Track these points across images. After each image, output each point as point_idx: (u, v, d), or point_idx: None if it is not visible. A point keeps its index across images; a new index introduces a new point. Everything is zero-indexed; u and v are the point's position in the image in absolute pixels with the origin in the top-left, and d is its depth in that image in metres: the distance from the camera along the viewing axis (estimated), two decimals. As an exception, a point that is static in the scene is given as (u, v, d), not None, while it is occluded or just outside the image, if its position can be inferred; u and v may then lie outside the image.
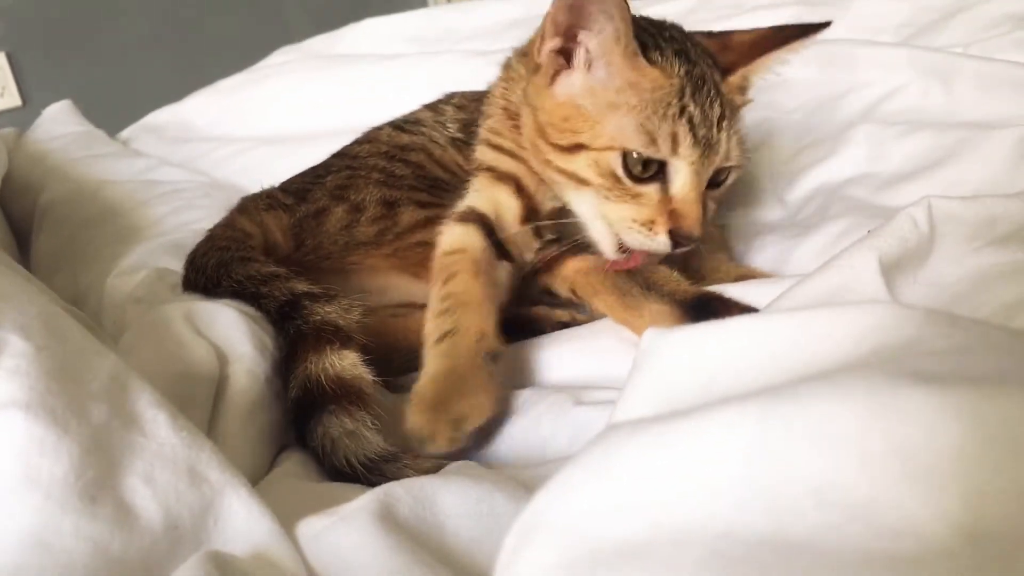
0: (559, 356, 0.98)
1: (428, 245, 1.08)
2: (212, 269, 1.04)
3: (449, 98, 1.40)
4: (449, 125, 1.31)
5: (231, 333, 0.92)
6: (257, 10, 3.39)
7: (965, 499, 0.37)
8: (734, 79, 1.02)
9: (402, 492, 0.70)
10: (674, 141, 0.94)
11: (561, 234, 1.06)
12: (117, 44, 3.26)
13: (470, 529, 0.68)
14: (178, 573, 0.57)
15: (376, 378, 0.89)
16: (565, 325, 1.05)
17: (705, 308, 0.91)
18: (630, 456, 0.45)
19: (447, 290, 0.97)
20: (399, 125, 1.32)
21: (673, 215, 0.95)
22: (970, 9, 1.45)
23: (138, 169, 1.68)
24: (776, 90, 1.42)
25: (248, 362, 0.90)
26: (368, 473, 0.82)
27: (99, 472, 0.59)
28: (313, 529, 0.67)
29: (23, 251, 1.53)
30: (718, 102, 0.97)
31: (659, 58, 0.96)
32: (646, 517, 0.42)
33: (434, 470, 0.80)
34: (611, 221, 0.97)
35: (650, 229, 0.95)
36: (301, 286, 0.98)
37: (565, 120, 0.98)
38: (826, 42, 1.45)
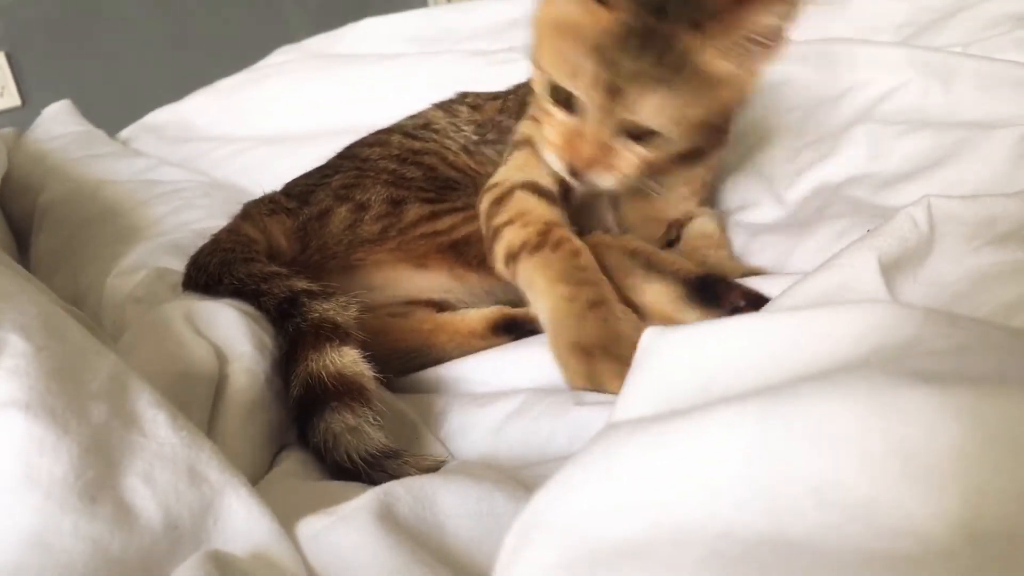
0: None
1: (433, 236, 1.09)
2: (215, 267, 1.03)
3: (463, 98, 1.40)
4: (464, 128, 1.31)
5: (231, 332, 0.92)
6: (257, 10, 3.39)
7: (965, 499, 0.37)
8: (712, 46, 0.92)
9: (402, 491, 0.70)
10: (581, 76, 0.96)
11: None
12: (117, 44, 3.26)
13: (470, 529, 0.68)
14: (178, 573, 0.57)
15: (377, 375, 0.89)
16: None
17: (709, 289, 0.94)
18: (630, 456, 0.45)
19: (577, 261, 0.99)
20: (410, 133, 1.32)
21: (573, 146, 1.00)
22: (970, 8, 1.45)
23: (138, 169, 1.68)
24: (775, 89, 1.42)
25: (248, 361, 0.90)
26: (369, 469, 0.81)
27: (99, 472, 0.59)
28: (312, 529, 0.67)
29: (23, 251, 1.53)
30: (653, 57, 0.92)
31: None
32: (646, 517, 0.42)
33: (435, 468, 0.80)
34: (538, 140, 1.06)
35: (556, 153, 1.02)
36: (300, 283, 0.98)
37: (536, 42, 1.03)
38: (825, 41, 1.46)
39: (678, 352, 0.56)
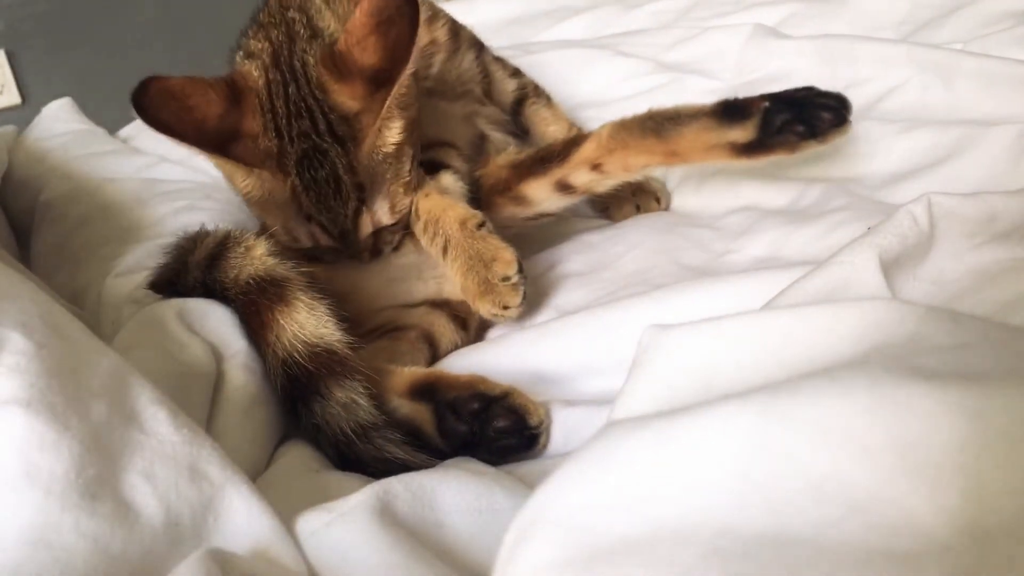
0: (541, 350, 0.96)
1: None
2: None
3: None
4: None
5: (224, 329, 0.92)
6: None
7: (966, 495, 0.37)
8: (370, 138, 0.97)
9: (400, 488, 0.70)
10: (314, 240, 1.00)
11: None
12: (117, 42, 3.25)
13: (469, 525, 0.68)
14: (178, 570, 0.57)
15: (348, 339, 0.89)
16: None
17: (732, 109, 1.02)
18: (630, 452, 0.45)
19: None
20: None
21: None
22: (970, 6, 1.45)
23: (138, 166, 1.68)
24: (773, 86, 1.42)
25: (243, 357, 0.90)
26: (359, 441, 0.82)
27: (100, 469, 0.59)
28: (312, 526, 0.67)
29: (23, 249, 1.52)
30: (348, 191, 0.97)
31: (267, 160, 0.95)
32: (646, 513, 0.42)
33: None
34: None
35: None
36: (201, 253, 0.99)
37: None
38: (825, 37, 1.46)
39: (678, 349, 0.56)
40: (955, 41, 1.35)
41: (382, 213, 1.01)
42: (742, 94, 1.41)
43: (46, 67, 3.18)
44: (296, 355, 0.86)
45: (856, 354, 0.50)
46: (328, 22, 1.04)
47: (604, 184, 1.10)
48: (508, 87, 1.41)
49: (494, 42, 1.62)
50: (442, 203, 1.03)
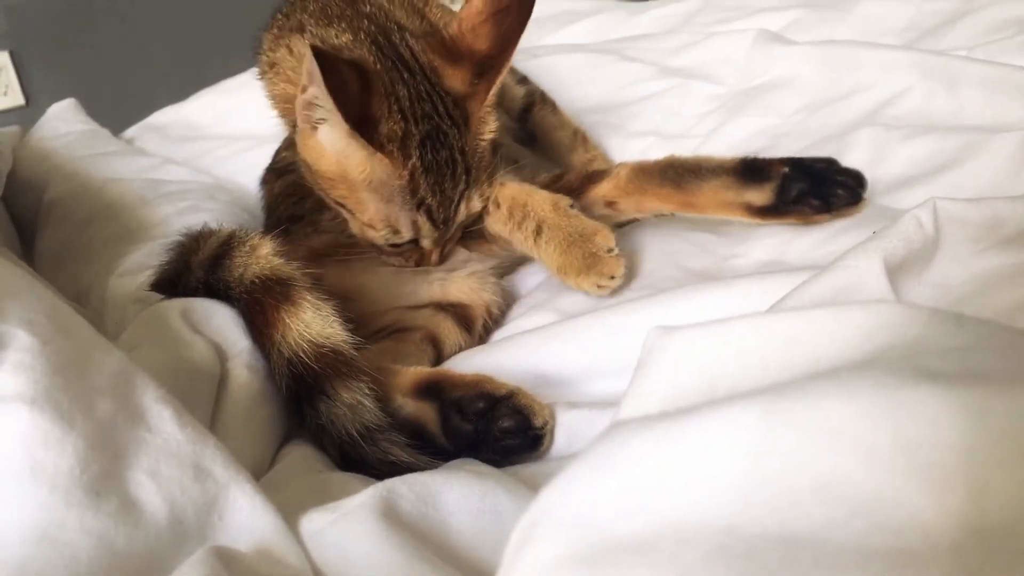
0: (545, 353, 0.97)
1: None
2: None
3: None
4: None
5: (228, 329, 0.92)
6: (261, 10, 3.39)
7: (971, 496, 0.37)
8: (475, 124, 1.00)
9: (404, 488, 0.71)
10: (415, 228, 0.99)
11: None
12: (120, 44, 3.26)
13: (473, 525, 0.69)
14: (183, 568, 0.57)
15: (354, 339, 0.89)
16: None
17: (752, 169, 1.01)
18: (636, 452, 0.45)
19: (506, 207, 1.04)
20: None
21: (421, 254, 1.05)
22: (974, 13, 1.45)
23: (142, 167, 1.68)
24: (777, 91, 1.43)
25: (247, 357, 0.90)
26: (364, 443, 0.82)
27: (104, 466, 0.60)
28: (316, 525, 0.67)
29: (27, 248, 1.53)
30: (460, 173, 0.98)
31: (388, 144, 0.95)
32: (652, 512, 0.42)
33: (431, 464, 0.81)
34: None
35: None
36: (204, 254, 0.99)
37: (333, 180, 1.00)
38: (829, 43, 1.46)
39: (684, 351, 0.56)
40: (959, 48, 1.35)
41: (475, 200, 1.02)
42: (746, 99, 1.42)
43: (50, 69, 3.19)
44: (302, 354, 0.86)
45: (861, 356, 0.50)
46: (403, 19, 1.06)
47: (615, 219, 1.11)
48: (517, 94, 1.42)
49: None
50: (525, 189, 1.04)
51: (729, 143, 1.36)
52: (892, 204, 1.05)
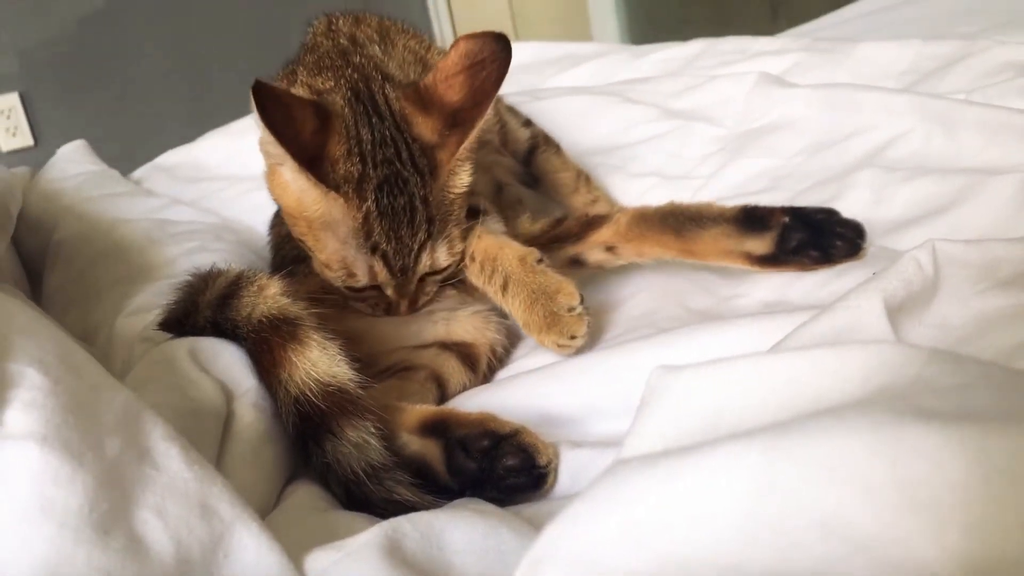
0: (549, 393, 0.97)
1: None
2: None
3: None
4: None
5: (235, 368, 0.93)
6: (269, 53, 3.43)
7: (968, 533, 0.37)
8: (443, 175, 1.00)
9: (409, 527, 0.71)
10: (372, 274, 1.00)
11: None
12: (128, 87, 3.30)
13: (476, 564, 0.69)
14: (189, 606, 0.58)
15: (360, 378, 0.89)
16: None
17: (753, 217, 1.03)
18: (639, 490, 0.45)
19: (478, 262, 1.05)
20: None
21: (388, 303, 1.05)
22: (972, 57, 1.47)
23: (150, 208, 1.70)
24: (778, 133, 1.44)
25: (253, 396, 0.91)
26: (369, 482, 0.82)
27: (113, 504, 0.60)
28: (321, 564, 0.68)
29: (35, 288, 1.54)
30: (420, 222, 0.98)
31: (344, 185, 0.96)
32: (654, 550, 0.42)
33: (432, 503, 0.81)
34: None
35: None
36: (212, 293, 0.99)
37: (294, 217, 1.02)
38: (830, 86, 1.48)
39: (687, 390, 0.56)
40: (958, 91, 1.37)
41: (441, 253, 1.02)
42: (747, 141, 1.44)
43: (59, 110, 3.22)
44: (308, 393, 0.87)
45: (861, 395, 0.50)
46: (391, 70, 1.08)
47: (615, 264, 1.12)
48: (522, 136, 1.44)
49: (503, 88, 1.65)
50: (497, 242, 1.05)
51: (730, 184, 1.37)
52: (892, 245, 1.06)
